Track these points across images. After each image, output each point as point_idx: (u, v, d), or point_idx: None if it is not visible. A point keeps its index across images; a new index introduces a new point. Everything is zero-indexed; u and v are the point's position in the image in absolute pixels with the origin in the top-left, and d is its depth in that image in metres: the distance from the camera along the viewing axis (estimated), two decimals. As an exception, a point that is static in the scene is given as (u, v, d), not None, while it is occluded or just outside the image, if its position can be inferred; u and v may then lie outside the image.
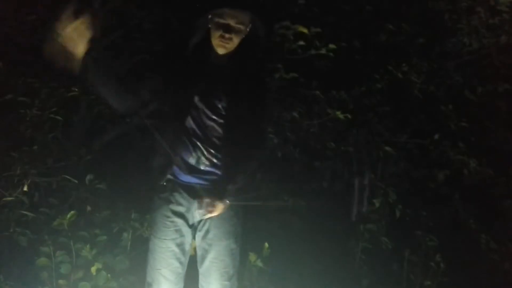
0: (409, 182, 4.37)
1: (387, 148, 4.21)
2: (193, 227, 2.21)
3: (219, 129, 2.10)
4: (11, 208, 3.12)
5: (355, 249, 3.71)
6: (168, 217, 2.16)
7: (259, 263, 2.96)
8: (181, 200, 2.16)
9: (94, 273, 2.78)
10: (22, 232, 3.04)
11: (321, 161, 4.17)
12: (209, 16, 2.04)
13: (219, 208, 2.10)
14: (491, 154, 4.51)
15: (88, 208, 3.19)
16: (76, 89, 3.59)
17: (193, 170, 2.12)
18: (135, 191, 3.51)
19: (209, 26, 2.06)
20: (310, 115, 4.04)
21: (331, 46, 3.83)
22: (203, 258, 2.21)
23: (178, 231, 2.16)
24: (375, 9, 4.46)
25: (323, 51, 3.83)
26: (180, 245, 2.17)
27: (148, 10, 3.79)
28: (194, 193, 2.14)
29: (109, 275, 2.80)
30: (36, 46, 3.75)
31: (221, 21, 2.01)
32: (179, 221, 2.16)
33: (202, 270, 2.23)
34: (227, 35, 2.02)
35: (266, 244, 3.01)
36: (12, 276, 2.89)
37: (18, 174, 3.19)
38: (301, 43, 3.81)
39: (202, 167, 2.12)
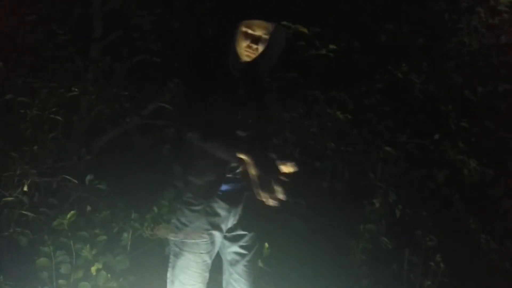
0: (409, 182, 4.37)
1: (387, 148, 4.21)
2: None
3: (249, 133, 2.06)
4: (11, 208, 3.11)
5: (355, 249, 3.70)
6: (206, 229, 2.07)
7: (259, 263, 2.95)
8: (219, 210, 2.08)
9: (94, 273, 2.78)
10: (22, 232, 3.04)
11: (321, 161, 4.17)
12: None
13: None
14: (491, 154, 4.52)
15: (88, 208, 3.19)
16: (76, 89, 3.59)
17: (228, 179, 2.07)
18: (135, 191, 3.53)
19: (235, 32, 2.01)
20: (310, 115, 4.04)
21: (331, 46, 3.83)
22: (237, 262, 2.17)
23: (213, 242, 2.10)
24: (375, 9, 4.46)
25: (323, 51, 3.83)
26: (212, 256, 2.12)
27: (148, 10, 3.79)
28: (230, 201, 2.09)
29: (109, 275, 2.79)
30: (36, 46, 3.77)
31: (250, 31, 1.97)
32: (216, 233, 2.10)
33: (235, 276, 2.18)
34: (254, 46, 1.99)
35: (266, 244, 3.00)
36: (12, 276, 2.89)
37: (18, 174, 3.19)
38: (301, 43, 3.81)
39: (237, 176, 2.08)
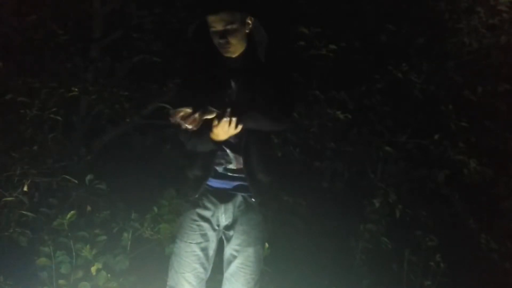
0: (409, 182, 4.37)
1: (387, 148, 4.21)
2: (219, 232, 2.20)
3: (243, 134, 2.05)
4: (11, 208, 3.12)
5: (355, 249, 3.71)
6: (195, 220, 2.15)
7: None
8: (208, 205, 2.15)
9: (94, 273, 2.79)
10: (22, 232, 3.05)
11: (321, 161, 4.17)
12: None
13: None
14: (491, 154, 4.51)
15: (88, 208, 3.19)
16: (76, 89, 3.59)
17: (220, 176, 2.13)
18: (135, 191, 3.53)
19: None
20: (310, 115, 4.04)
21: (331, 46, 3.83)
22: (230, 263, 2.19)
23: (204, 235, 2.15)
24: (375, 9, 4.46)
25: (323, 51, 3.83)
26: (205, 250, 2.16)
27: (148, 10, 3.80)
28: (221, 198, 2.15)
29: (109, 275, 2.80)
30: (36, 46, 3.77)
31: (211, 28, 1.99)
32: (205, 225, 2.15)
33: (227, 275, 2.21)
34: (222, 41, 1.98)
35: (266, 244, 3.00)
36: (12, 276, 2.89)
37: (18, 174, 3.20)
38: (301, 43, 3.81)
39: (229, 173, 2.13)
